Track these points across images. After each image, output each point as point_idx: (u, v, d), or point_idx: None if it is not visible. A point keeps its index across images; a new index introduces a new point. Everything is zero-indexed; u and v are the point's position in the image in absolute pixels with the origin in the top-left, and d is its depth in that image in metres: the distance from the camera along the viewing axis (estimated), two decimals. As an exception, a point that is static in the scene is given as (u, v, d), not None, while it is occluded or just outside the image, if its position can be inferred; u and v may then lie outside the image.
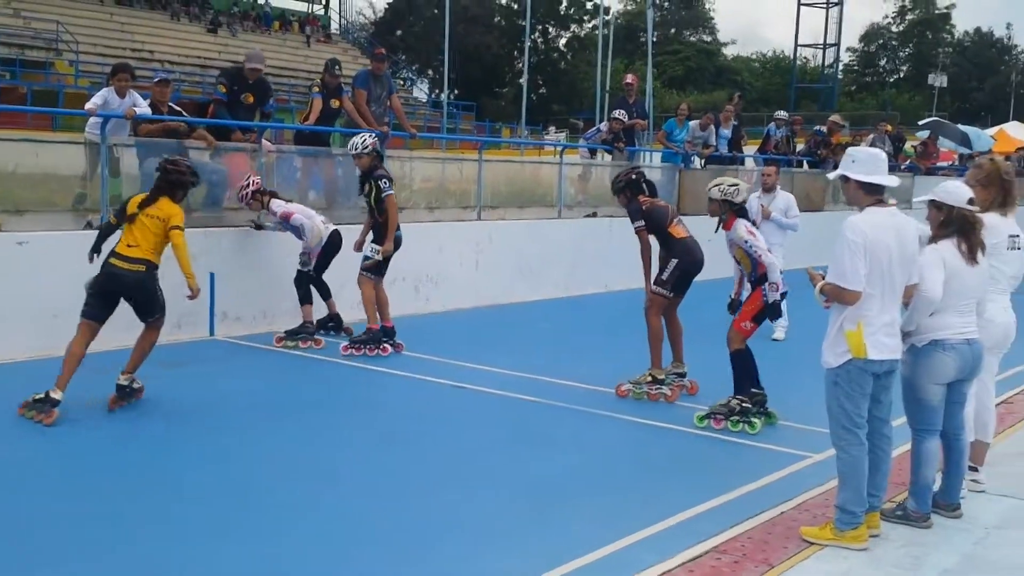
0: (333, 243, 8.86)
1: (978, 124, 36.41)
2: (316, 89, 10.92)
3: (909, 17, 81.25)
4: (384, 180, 8.44)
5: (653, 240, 7.41)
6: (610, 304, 11.81)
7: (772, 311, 6.68)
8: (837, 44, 69.81)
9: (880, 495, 4.73)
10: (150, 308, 6.59)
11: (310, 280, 8.90)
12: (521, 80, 45.64)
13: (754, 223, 7.11)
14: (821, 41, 70.08)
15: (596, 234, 12.84)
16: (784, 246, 9.41)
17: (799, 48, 71.73)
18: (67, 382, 6.26)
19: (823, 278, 4.55)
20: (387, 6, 68.18)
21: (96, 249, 6.72)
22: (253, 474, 5.45)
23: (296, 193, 9.82)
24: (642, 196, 7.51)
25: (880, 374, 4.54)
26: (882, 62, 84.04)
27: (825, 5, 67.80)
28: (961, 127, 25.63)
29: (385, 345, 8.51)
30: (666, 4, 79.01)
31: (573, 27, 73.74)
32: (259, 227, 9.29)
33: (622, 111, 14.43)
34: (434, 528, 4.72)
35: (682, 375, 7.51)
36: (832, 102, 62.75)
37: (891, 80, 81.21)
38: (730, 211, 6.75)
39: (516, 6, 65.08)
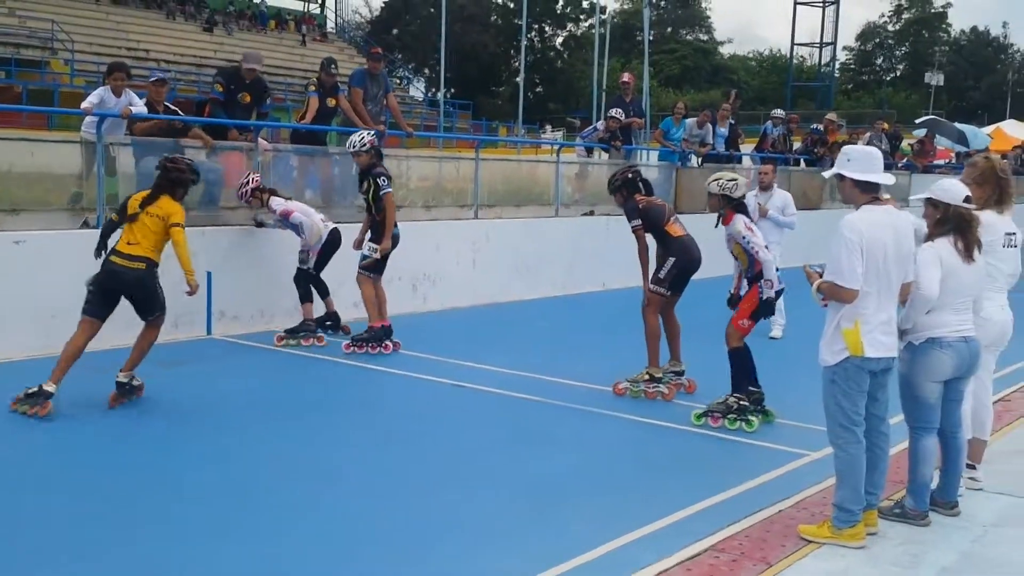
0: (332, 241, 8.86)
1: (975, 122, 36.50)
2: (312, 88, 10.91)
3: (905, 16, 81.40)
4: (383, 178, 8.44)
5: (650, 238, 7.42)
6: (608, 302, 11.81)
7: (765, 308, 6.69)
8: (834, 43, 70.03)
9: (878, 493, 4.73)
10: (150, 306, 6.62)
11: (309, 278, 8.90)
12: (518, 79, 45.68)
13: (752, 221, 7.11)
14: (817, 40, 70.27)
15: (593, 232, 12.84)
16: (781, 244, 9.40)
17: (795, 47, 71.92)
18: (61, 376, 6.29)
19: (820, 276, 4.55)
20: (383, 5, 68.18)
21: (101, 247, 6.76)
22: (252, 474, 5.44)
23: (293, 192, 9.80)
24: (638, 195, 7.51)
25: (877, 372, 4.55)
26: (879, 61, 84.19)
27: (821, 4, 67.96)
28: (958, 125, 25.69)
29: (387, 343, 8.52)
30: (662, 3, 79.07)
31: (569, 26, 73.76)
32: (259, 224, 9.29)
33: (619, 110, 14.43)
34: (434, 528, 4.72)
35: (680, 373, 7.52)
36: (829, 100, 62.87)
37: (888, 79, 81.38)
38: (729, 206, 6.76)
39: (512, 5, 65.10)
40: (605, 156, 14.66)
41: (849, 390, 4.49)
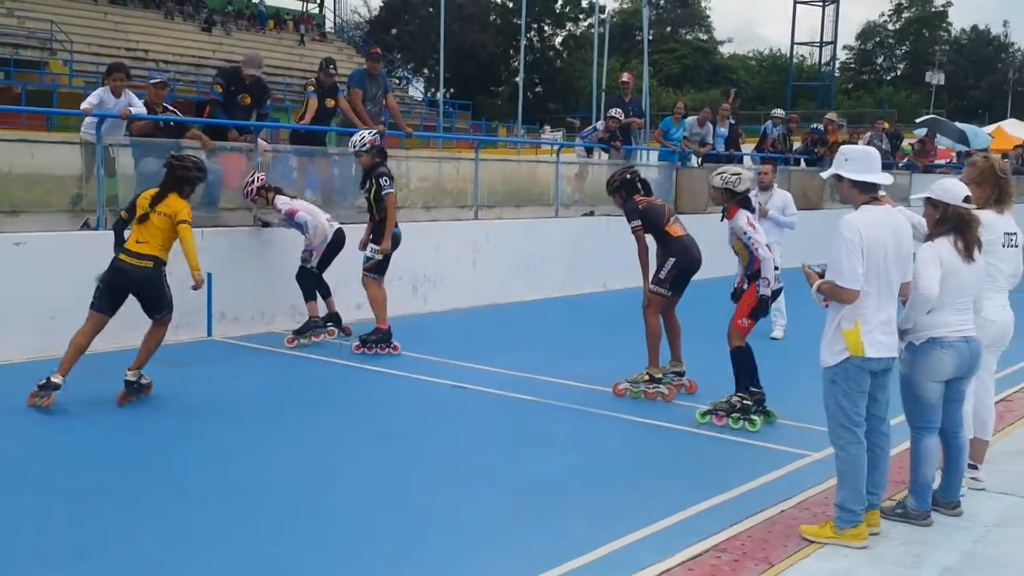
0: (337, 241, 8.87)
1: (975, 121, 36.50)
2: (311, 88, 10.90)
3: (906, 15, 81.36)
4: (385, 178, 8.44)
5: (650, 239, 7.41)
6: (608, 303, 11.81)
7: (761, 307, 6.68)
8: (834, 42, 69.93)
9: (879, 493, 4.73)
10: (157, 304, 6.71)
11: (312, 277, 8.89)
12: (517, 79, 45.65)
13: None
14: (818, 39, 70.17)
15: (593, 233, 12.83)
16: (782, 244, 9.39)
17: (795, 46, 71.83)
18: (69, 368, 6.43)
19: (819, 276, 4.55)
20: (382, 5, 68.10)
21: (118, 246, 6.82)
22: (253, 474, 5.44)
23: (292, 193, 9.79)
24: (638, 195, 7.50)
25: (877, 372, 4.54)
26: (879, 60, 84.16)
27: (821, 3, 67.83)
28: (959, 125, 25.63)
29: (396, 344, 8.52)
30: (662, 2, 79.03)
31: (569, 25, 73.69)
32: (265, 224, 9.29)
33: (618, 109, 14.43)
34: (433, 528, 4.71)
35: (681, 374, 7.51)
36: (829, 100, 62.83)
37: (888, 78, 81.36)
38: (733, 201, 6.77)
39: (511, 4, 65.04)
40: (605, 156, 14.65)
41: (850, 390, 4.48)
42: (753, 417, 6.53)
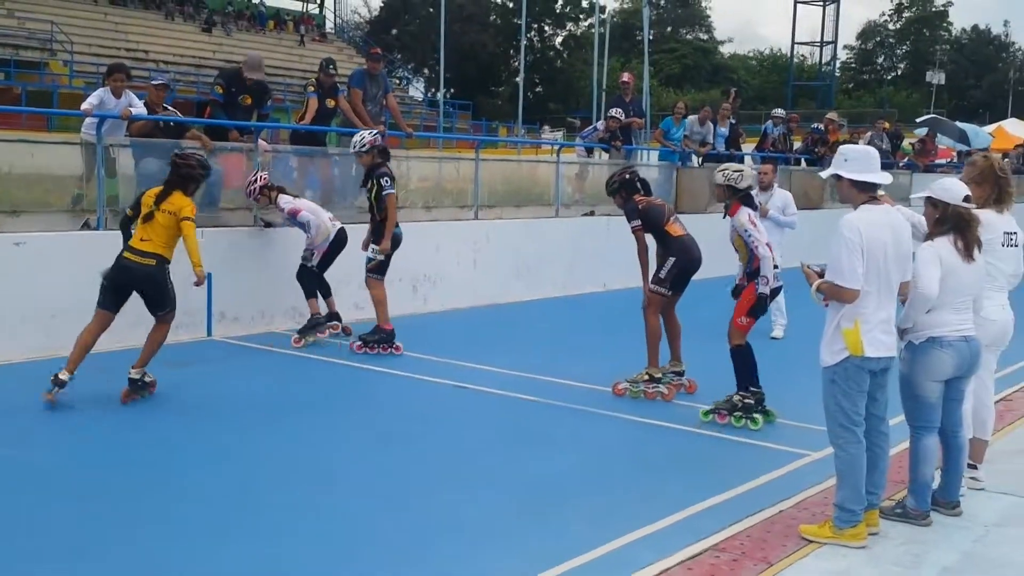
0: (339, 241, 8.88)
1: (976, 121, 36.49)
2: (311, 89, 10.91)
3: (906, 14, 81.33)
4: (386, 178, 8.44)
5: (650, 239, 7.41)
6: (608, 303, 11.81)
7: (760, 305, 6.68)
8: (834, 42, 69.87)
9: (879, 493, 4.73)
10: (161, 302, 6.74)
11: (312, 276, 8.90)
12: (517, 79, 45.67)
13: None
14: (818, 39, 70.12)
15: (594, 233, 12.83)
16: (782, 244, 9.39)
17: (796, 46, 71.80)
18: (76, 365, 6.48)
19: (819, 275, 4.55)
20: (382, 5, 68.12)
21: (127, 241, 6.84)
22: (253, 474, 5.45)
23: (295, 192, 9.79)
24: (637, 195, 7.51)
25: (877, 372, 4.54)
26: (880, 59, 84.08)
27: (822, 3, 67.79)
28: (959, 124, 25.63)
29: (398, 344, 8.52)
30: (662, 2, 79.00)
31: (569, 25, 73.69)
32: (268, 224, 9.29)
33: (619, 109, 14.42)
34: (433, 528, 4.72)
35: (680, 373, 7.52)
36: (830, 100, 62.78)
37: (889, 77, 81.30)
38: (735, 197, 6.78)
39: (512, 4, 65.04)
40: (605, 156, 14.64)
41: (849, 390, 4.49)
42: (755, 416, 6.53)
